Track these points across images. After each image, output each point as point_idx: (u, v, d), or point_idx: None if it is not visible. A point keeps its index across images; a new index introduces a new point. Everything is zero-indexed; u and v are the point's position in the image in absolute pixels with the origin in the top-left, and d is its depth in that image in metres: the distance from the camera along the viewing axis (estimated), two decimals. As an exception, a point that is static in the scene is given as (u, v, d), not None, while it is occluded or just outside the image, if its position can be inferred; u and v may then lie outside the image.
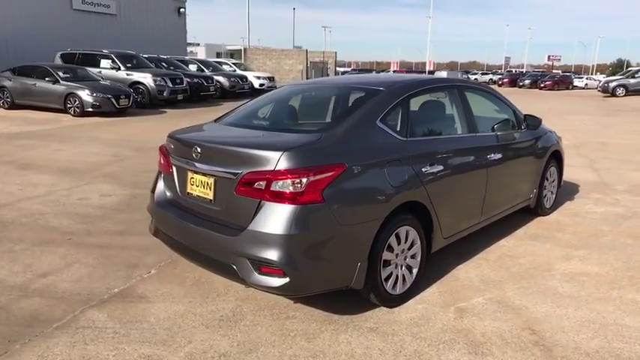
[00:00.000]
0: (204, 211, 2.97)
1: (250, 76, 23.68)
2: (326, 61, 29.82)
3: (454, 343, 2.73)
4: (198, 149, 2.93)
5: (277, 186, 2.56)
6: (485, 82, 53.68)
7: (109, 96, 13.71)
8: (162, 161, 3.39)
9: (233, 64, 25.20)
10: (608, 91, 25.02)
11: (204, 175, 2.94)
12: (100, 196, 5.90)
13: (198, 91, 19.00)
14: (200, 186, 2.98)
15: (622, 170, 7.50)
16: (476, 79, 48.10)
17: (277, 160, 2.58)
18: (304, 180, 2.53)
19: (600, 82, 33.25)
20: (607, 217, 5.09)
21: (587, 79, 48.75)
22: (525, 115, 4.50)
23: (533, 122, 4.47)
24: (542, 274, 3.66)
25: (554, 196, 5.22)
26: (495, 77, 56.28)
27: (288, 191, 2.54)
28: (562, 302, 3.21)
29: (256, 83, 24.02)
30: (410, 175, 3.00)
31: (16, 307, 3.12)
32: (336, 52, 31.97)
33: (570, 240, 4.39)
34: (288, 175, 2.54)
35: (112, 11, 23.99)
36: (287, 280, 2.57)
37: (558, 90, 41.61)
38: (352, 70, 64.50)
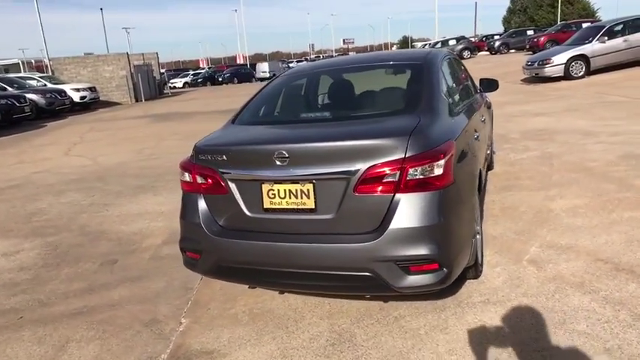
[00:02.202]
0: (300, 225, 2.50)
1: (68, 89, 20.58)
2: (149, 63, 27.53)
3: (562, 290, 2.86)
4: (285, 153, 2.42)
5: (415, 173, 2.29)
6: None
7: None
8: (198, 181, 2.72)
9: (40, 77, 21.52)
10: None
11: (295, 182, 2.46)
12: (1, 256, 4.51)
13: (9, 114, 15.78)
14: (288, 196, 2.48)
15: (501, 122, 8.68)
16: (292, 66, 50.13)
17: (406, 146, 2.29)
18: (442, 162, 2.31)
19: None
20: (535, 160, 5.89)
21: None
22: (481, 79, 4.88)
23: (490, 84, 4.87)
24: (549, 215, 4.05)
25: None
26: (309, 63, 59.53)
27: (428, 177, 2.29)
28: (591, 232, 3.61)
29: (76, 96, 21.04)
30: (474, 137, 3.02)
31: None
32: (157, 53, 29.72)
33: (534, 184, 4.96)
34: (426, 160, 2.29)
35: None
36: (444, 271, 2.34)
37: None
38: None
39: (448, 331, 2.61)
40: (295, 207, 2.48)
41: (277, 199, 2.51)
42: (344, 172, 2.35)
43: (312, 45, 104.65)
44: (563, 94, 11.48)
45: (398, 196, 2.31)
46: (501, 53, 28.38)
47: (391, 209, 2.31)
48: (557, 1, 40.11)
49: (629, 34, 12.92)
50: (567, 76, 13.19)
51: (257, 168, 2.52)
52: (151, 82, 26.92)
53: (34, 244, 4.74)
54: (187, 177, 2.80)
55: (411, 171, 2.28)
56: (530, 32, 29.79)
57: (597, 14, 40.41)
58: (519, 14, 47.48)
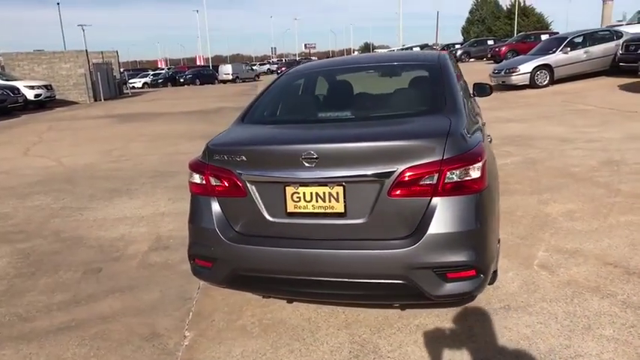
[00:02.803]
0: (327, 230, 2.35)
1: (21, 86, 19.42)
2: (109, 62, 26.45)
3: (580, 295, 2.84)
4: (314, 153, 2.26)
5: (453, 176, 2.19)
6: (264, 71, 56.02)
7: None
8: (212, 183, 2.51)
9: (-10, 74, 20.23)
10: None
11: (323, 185, 2.30)
12: (-34, 265, 4.09)
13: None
14: (315, 200, 2.32)
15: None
16: (255, 69, 49.62)
17: (444, 148, 2.19)
18: (479, 165, 2.22)
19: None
20: (520, 165, 5.98)
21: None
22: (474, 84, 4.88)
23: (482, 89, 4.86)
24: (547, 219, 4.08)
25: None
26: (273, 66, 59.11)
27: (465, 180, 2.20)
28: (593, 236, 3.65)
29: (30, 94, 19.89)
30: (489, 140, 2.98)
31: None
32: (117, 52, 28.57)
33: (524, 189, 5.01)
34: (464, 162, 2.19)
35: None
36: (481, 278, 2.25)
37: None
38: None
39: (475, 339, 2.53)
40: (323, 211, 2.33)
41: (302, 203, 2.35)
42: (378, 174, 2.22)
43: (274, 48, 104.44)
44: (531, 102, 11.84)
45: (435, 199, 2.20)
46: (463, 61, 29.18)
47: (428, 213, 2.20)
48: (514, 13, 41.76)
49: (589, 46, 13.53)
50: (532, 84, 13.64)
51: (281, 169, 2.35)
52: (111, 82, 25.88)
53: (2, 251, 4.34)
54: (198, 179, 2.58)
55: (448, 174, 2.18)
56: (490, 42, 30.81)
57: (551, 27, 42.38)
58: (478, 24, 49.05)
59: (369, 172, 2.23)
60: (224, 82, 42.19)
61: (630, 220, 3.91)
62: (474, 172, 2.21)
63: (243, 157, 2.42)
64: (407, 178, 2.20)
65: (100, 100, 23.68)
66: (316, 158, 2.26)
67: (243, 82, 41.84)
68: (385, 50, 45.76)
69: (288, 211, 2.38)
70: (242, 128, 2.87)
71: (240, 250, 2.44)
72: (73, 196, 6.08)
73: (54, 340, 2.86)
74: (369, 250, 2.25)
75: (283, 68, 53.96)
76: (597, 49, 13.42)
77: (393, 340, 2.58)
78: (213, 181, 2.52)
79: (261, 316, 2.96)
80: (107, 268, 3.84)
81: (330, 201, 2.31)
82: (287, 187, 2.36)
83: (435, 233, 2.18)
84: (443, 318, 2.74)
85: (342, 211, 2.31)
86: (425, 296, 2.26)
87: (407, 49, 31.52)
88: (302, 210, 2.36)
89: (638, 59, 10.84)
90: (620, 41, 12.92)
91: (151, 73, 49.49)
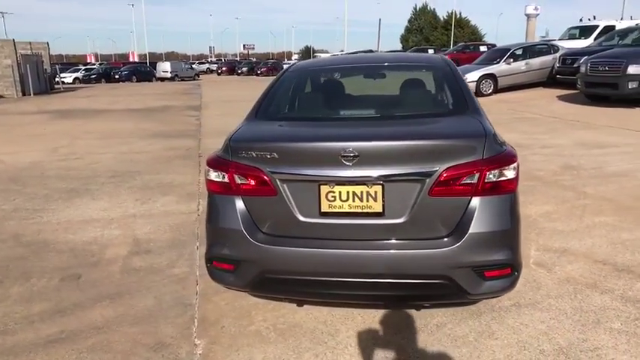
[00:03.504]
0: (363, 231, 2.29)
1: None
2: (38, 53, 24.55)
3: (581, 291, 2.99)
4: (355, 151, 2.19)
5: (492, 176, 2.22)
6: (203, 70, 54.67)
7: None
8: (237, 182, 2.37)
9: None
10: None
11: (360, 184, 2.25)
12: None
13: None
14: (351, 199, 2.26)
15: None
16: (195, 68, 48.26)
17: (484, 148, 2.22)
18: (515, 165, 2.28)
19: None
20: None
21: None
22: None
23: None
24: (529, 220, 4.26)
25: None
26: (213, 66, 57.81)
27: (501, 180, 2.24)
28: (575, 236, 3.87)
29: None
30: None
31: None
32: (47, 43, 26.55)
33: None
34: (502, 163, 2.23)
35: None
36: (515, 275, 2.30)
37: (273, 75, 46.01)
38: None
39: (497, 337, 2.58)
40: (359, 211, 2.28)
41: (338, 202, 2.29)
42: (420, 173, 2.21)
43: (213, 47, 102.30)
44: (478, 109, 12.44)
45: (475, 199, 2.23)
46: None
47: (468, 213, 2.22)
48: (451, 24, 43.89)
49: (529, 58, 14.49)
50: (478, 92, 14.35)
51: (317, 167, 2.27)
52: (41, 75, 24.03)
53: (-44, 258, 3.87)
54: (220, 176, 2.43)
55: (488, 174, 2.21)
56: (430, 51, 32.02)
57: (484, 39, 45.03)
58: (416, 34, 51.01)
59: (410, 171, 2.21)
60: (162, 80, 40.67)
61: (603, 220, 4.20)
62: (510, 173, 2.26)
63: (275, 155, 2.31)
64: (449, 178, 2.20)
65: (29, 94, 21.93)
66: (356, 156, 2.21)
67: (182, 80, 40.57)
68: (327, 56, 46.29)
69: (322, 210, 2.31)
70: (262, 124, 2.74)
71: (269, 252, 2.33)
72: (25, 197, 5.56)
73: (45, 354, 2.58)
74: (408, 250, 2.23)
75: (224, 68, 53.08)
76: (536, 61, 14.40)
77: (417, 341, 2.58)
78: (238, 180, 2.38)
79: (273, 320, 2.85)
80: (87, 274, 3.54)
81: (367, 200, 2.26)
82: (322, 186, 2.29)
83: (476, 232, 2.21)
84: (459, 317, 2.78)
85: (380, 210, 2.27)
86: (463, 295, 2.28)
87: (349, 53, 31.98)
88: (337, 210, 2.29)
89: (575, 72, 11.75)
90: (557, 55, 13.96)
91: (83, 68, 46.63)
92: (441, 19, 49.55)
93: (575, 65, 12.22)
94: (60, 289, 3.32)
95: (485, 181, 2.22)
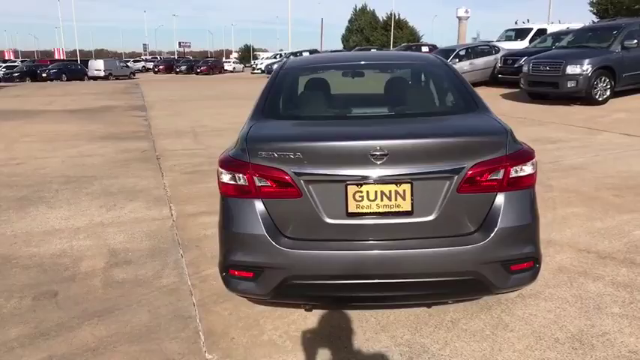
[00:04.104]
0: (391, 230, 2.25)
1: None
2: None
3: (575, 279, 3.13)
4: (384, 149, 2.14)
5: (514, 172, 2.25)
6: (139, 69, 52.36)
7: None
8: (257, 184, 2.24)
9: None
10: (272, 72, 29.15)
11: (389, 183, 2.20)
12: None
13: None
14: (380, 199, 2.20)
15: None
16: (130, 66, 46.07)
17: (506, 144, 2.25)
18: (534, 160, 2.32)
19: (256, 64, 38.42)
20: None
21: (234, 63, 54.60)
22: None
23: None
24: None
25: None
26: (149, 64, 55.54)
27: (523, 175, 2.28)
28: (554, 227, 4.05)
29: None
30: None
31: None
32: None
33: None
34: (523, 158, 2.27)
35: None
36: (537, 268, 2.36)
37: (213, 74, 45.01)
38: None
39: (511, 329, 2.63)
40: (388, 210, 2.23)
41: (365, 202, 2.22)
42: (449, 170, 2.20)
43: (147, 45, 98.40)
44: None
45: (500, 194, 2.25)
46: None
47: (494, 208, 2.24)
48: (390, 25, 45.02)
49: (473, 59, 15.13)
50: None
51: (345, 167, 2.20)
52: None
53: None
54: (236, 179, 2.29)
55: (512, 169, 2.25)
56: (373, 50, 32.73)
57: (422, 39, 46.59)
58: (357, 34, 51.81)
59: (439, 169, 2.20)
60: (94, 78, 38.51)
61: (575, 211, 4.44)
62: (530, 168, 2.31)
63: (299, 155, 2.21)
64: (476, 174, 2.22)
65: (-54, 94, 19.95)
66: (386, 154, 2.16)
67: (117, 79, 38.67)
68: (270, 54, 45.99)
69: (349, 211, 2.24)
70: (275, 123, 2.62)
71: (295, 256, 2.23)
72: (-30, 208, 5.01)
73: (39, 382, 2.32)
74: (438, 248, 2.22)
75: (161, 67, 51.16)
76: (480, 61, 15.07)
77: (437, 338, 2.58)
78: (257, 181, 2.25)
79: (285, 328, 2.74)
80: (64, 291, 3.23)
81: (395, 199, 2.22)
82: (349, 186, 2.22)
83: (504, 227, 2.23)
84: (470, 312, 2.81)
85: (409, 209, 2.23)
86: (491, 290, 2.30)
87: (296, 54, 31.85)
88: (365, 210, 2.23)
89: (516, 72, 12.41)
90: (498, 55, 14.69)
91: (3, 65, 43.19)
92: (381, 19, 50.72)
93: (515, 65, 12.93)
94: (36, 309, 3.00)
95: (510, 176, 2.25)
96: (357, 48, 34.13)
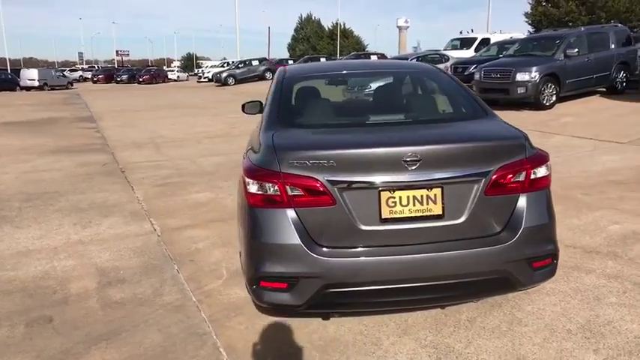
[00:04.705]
0: (424, 234, 2.29)
1: None
2: None
3: (570, 273, 3.32)
4: (417, 155, 2.19)
5: (534, 173, 2.37)
6: (76, 79, 49.85)
7: None
8: (289, 193, 2.21)
9: None
10: (221, 81, 28.73)
11: (420, 187, 2.24)
12: None
13: None
14: (412, 204, 2.25)
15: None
16: (67, 76, 43.74)
17: (525, 147, 2.38)
18: (549, 163, 2.46)
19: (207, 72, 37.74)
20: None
21: (177, 71, 53.27)
22: None
23: None
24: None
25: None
26: (87, 74, 53.04)
27: (540, 177, 2.41)
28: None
29: None
30: None
31: None
32: None
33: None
34: (541, 160, 2.41)
35: None
36: (555, 264, 2.49)
37: (156, 83, 43.69)
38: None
39: (525, 323, 2.75)
40: (420, 214, 2.28)
41: (398, 208, 2.26)
42: (477, 173, 2.29)
43: (82, 53, 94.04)
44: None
45: (523, 195, 2.37)
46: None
47: (518, 209, 2.35)
48: (336, 34, 45.77)
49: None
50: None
51: (379, 173, 2.23)
52: None
53: None
54: (267, 188, 2.25)
55: (532, 171, 2.37)
56: (322, 59, 33.10)
57: (367, 49, 47.69)
58: (303, 42, 52.17)
59: (468, 173, 2.28)
60: (27, 89, 36.21)
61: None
62: (545, 170, 2.45)
63: (333, 162, 2.21)
64: (501, 177, 2.32)
65: None
66: (418, 160, 2.21)
67: (53, 89, 36.64)
68: (215, 63, 45.30)
69: (382, 217, 2.27)
70: (300, 132, 2.62)
71: (332, 265, 2.22)
72: None
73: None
74: (469, 250, 2.29)
75: (101, 76, 48.95)
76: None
77: (459, 337, 2.65)
78: (290, 191, 2.23)
79: (307, 338, 2.71)
80: (60, 315, 3.03)
81: (427, 204, 2.28)
82: (382, 192, 2.25)
83: (529, 227, 2.35)
84: (483, 310, 2.91)
85: (440, 212, 2.30)
86: (515, 287, 2.43)
87: (246, 62, 31.46)
88: (398, 215, 2.27)
89: (466, 79, 12.98)
90: (448, 64, 15.31)
91: None
92: (326, 28, 51.41)
93: (465, 73, 13.53)
94: (32, 337, 2.79)
95: (531, 178, 2.37)
96: (305, 57, 34.40)
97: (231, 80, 28.40)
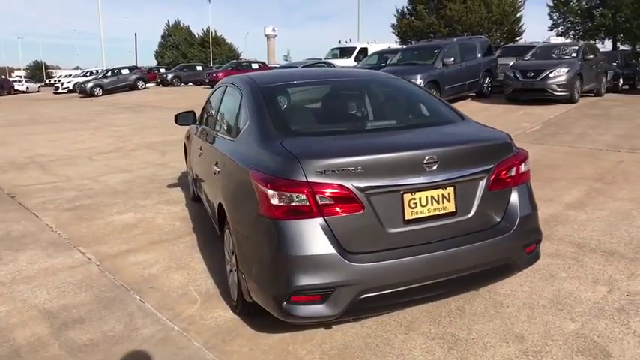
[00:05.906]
0: (440, 231, 2.43)
1: None
2: None
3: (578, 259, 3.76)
4: (436, 157, 2.32)
5: (523, 167, 2.66)
6: None
7: None
8: (319, 202, 2.17)
9: None
10: (86, 92, 26.15)
11: (436, 188, 2.38)
12: None
13: None
14: (430, 203, 2.37)
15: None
16: None
17: (512, 144, 2.67)
18: (529, 160, 2.76)
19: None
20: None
21: (26, 81, 47.20)
22: None
23: None
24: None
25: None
26: None
27: (524, 171, 2.70)
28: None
29: None
30: None
31: None
32: None
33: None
34: (526, 156, 2.71)
35: None
36: (539, 246, 2.79)
37: (2, 95, 38.20)
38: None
39: (507, 304, 3.04)
40: (437, 213, 2.42)
41: (419, 208, 2.37)
42: (483, 170, 2.50)
43: None
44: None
45: (514, 188, 2.65)
46: (174, 85, 29.22)
47: (512, 201, 2.62)
48: (208, 42, 44.69)
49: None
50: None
51: (402, 176, 2.32)
52: None
53: None
54: (293, 198, 2.18)
55: (520, 166, 2.67)
56: (199, 67, 32.03)
57: (241, 57, 47.43)
58: (172, 50, 49.95)
59: (477, 170, 2.49)
60: None
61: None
62: (526, 166, 2.76)
63: (360, 169, 2.24)
64: (500, 172, 2.57)
65: None
66: (436, 162, 2.35)
67: None
68: (70, 71, 41.17)
69: (406, 218, 2.35)
70: (313, 139, 2.61)
71: (365, 270, 2.24)
72: None
73: None
74: (481, 242, 2.49)
75: None
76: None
77: (459, 326, 2.84)
78: (319, 200, 2.19)
79: (319, 349, 2.67)
80: (20, 371, 2.55)
81: (442, 202, 2.42)
82: (404, 195, 2.34)
83: (524, 216, 2.63)
84: (466, 298, 3.13)
85: (454, 210, 2.46)
86: (513, 271, 2.69)
87: (114, 71, 28.91)
88: (418, 215, 2.38)
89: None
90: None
91: None
92: (197, 35, 49.91)
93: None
94: (-4, 402, 2.31)
95: (520, 172, 2.67)
96: (180, 65, 33.05)
97: (98, 90, 25.99)
